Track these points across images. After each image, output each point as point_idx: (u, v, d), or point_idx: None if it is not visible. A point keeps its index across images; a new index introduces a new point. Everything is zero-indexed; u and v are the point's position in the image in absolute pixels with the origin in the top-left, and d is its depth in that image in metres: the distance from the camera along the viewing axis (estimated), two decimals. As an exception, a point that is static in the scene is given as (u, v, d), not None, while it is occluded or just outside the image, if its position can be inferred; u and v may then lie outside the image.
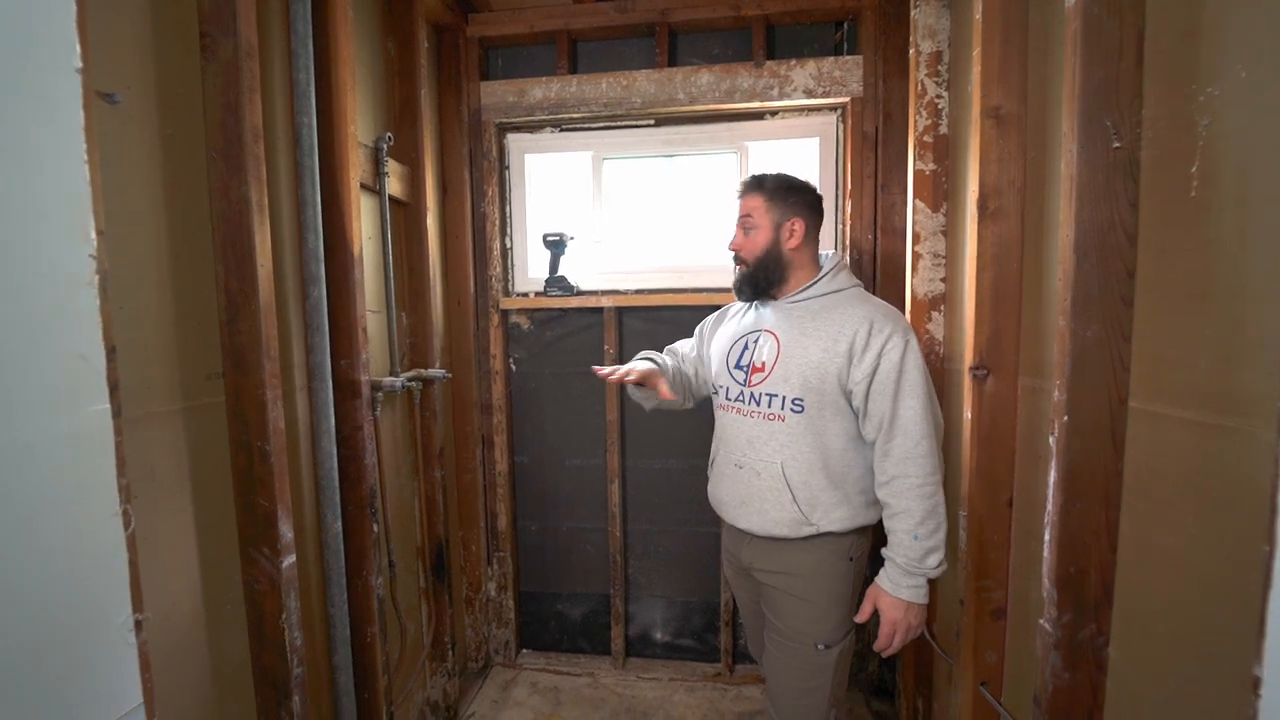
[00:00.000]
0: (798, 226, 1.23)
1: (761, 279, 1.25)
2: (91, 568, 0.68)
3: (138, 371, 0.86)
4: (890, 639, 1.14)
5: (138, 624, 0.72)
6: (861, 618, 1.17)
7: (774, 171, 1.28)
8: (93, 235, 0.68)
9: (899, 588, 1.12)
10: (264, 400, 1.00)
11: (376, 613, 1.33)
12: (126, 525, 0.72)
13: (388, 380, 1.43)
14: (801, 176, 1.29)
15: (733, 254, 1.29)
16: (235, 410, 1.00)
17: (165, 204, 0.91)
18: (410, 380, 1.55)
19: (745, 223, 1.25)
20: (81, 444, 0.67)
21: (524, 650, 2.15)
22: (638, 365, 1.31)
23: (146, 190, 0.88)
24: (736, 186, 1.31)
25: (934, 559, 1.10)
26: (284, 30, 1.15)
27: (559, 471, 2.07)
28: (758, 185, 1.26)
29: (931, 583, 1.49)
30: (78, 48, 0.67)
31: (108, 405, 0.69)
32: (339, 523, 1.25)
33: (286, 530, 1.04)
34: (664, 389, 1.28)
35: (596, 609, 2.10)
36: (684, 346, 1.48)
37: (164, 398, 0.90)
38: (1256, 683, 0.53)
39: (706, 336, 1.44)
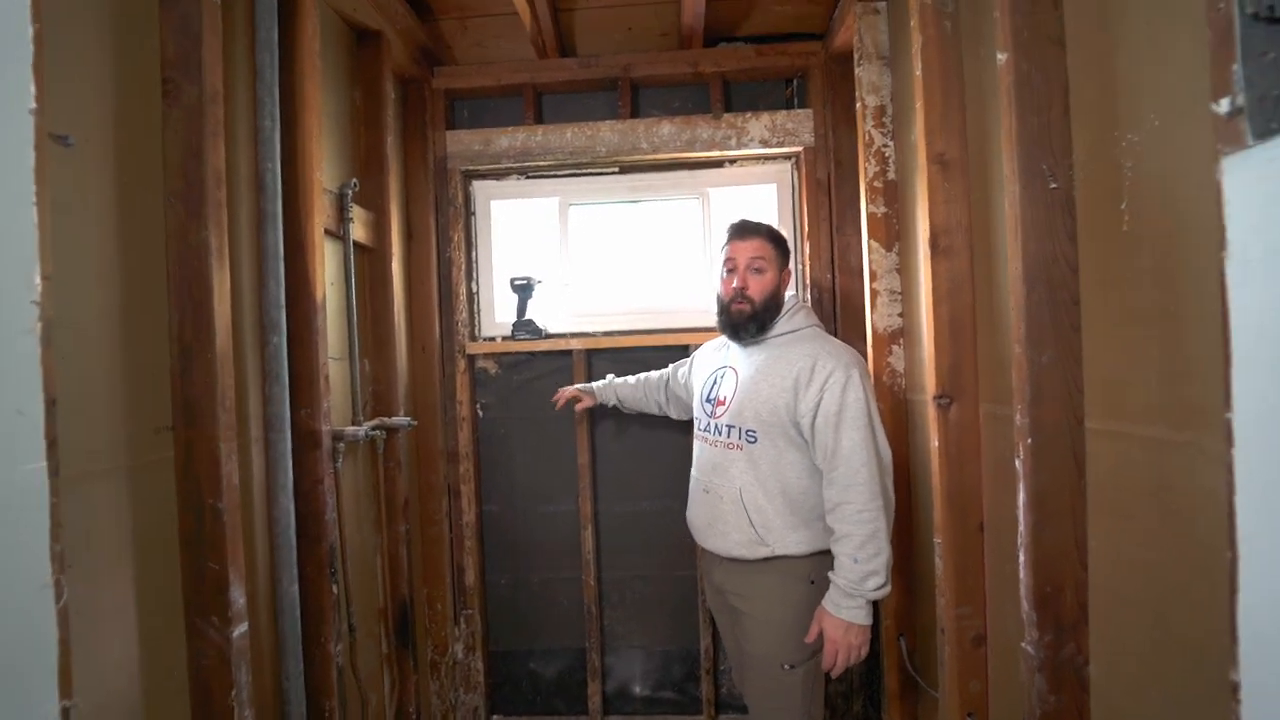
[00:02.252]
0: (788, 275, 1.38)
1: (766, 319, 1.34)
2: (16, 646, 0.61)
3: (79, 426, 0.79)
4: (834, 658, 1.20)
5: (65, 712, 0.65)
6: (809, 637, 1.23)
7: (759, 219, 1.38)
8: (37, 281, 0.65)
9: (840, 608, 1.18)
10: (217, 454, 0.94)
11: (336, 684, 1.23)
12: (58, 598, 0.65)
13: (350, 430, 1.37)
14: (764, 220, 1.40)
15: (733, 292, 1.33)
16: (185, 466, 0.94)
17: (118, 249, 0.87)
18: (374, 429, 1.49)
19: (756, 264, 1.33)
20: (12, 506, 0.61)
21: (495, 717, 2.01)
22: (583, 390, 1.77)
23: (98, 235, 0.84)
24: (728, 228, 1.38)
25: (873, 581, 1.17)
26: (249, 77, 1.14)
27: (530, 519, 2.00)
28: (760, 231, 1.36)
29: (889, 606, 1.54)
30: (32, 88, 0.65)
31: (44, 463, 0.64)
32: (295, 586, 1.17)
33: (239, 596, 0.96)
34: (585, 403, 1.76)
35: (571, 665, 2.00)
36: (654, 374, 1.74)
37: (107, 454, 0.83)
38: (1235, 688, 0.54)
39: (693, 366, 1.59)
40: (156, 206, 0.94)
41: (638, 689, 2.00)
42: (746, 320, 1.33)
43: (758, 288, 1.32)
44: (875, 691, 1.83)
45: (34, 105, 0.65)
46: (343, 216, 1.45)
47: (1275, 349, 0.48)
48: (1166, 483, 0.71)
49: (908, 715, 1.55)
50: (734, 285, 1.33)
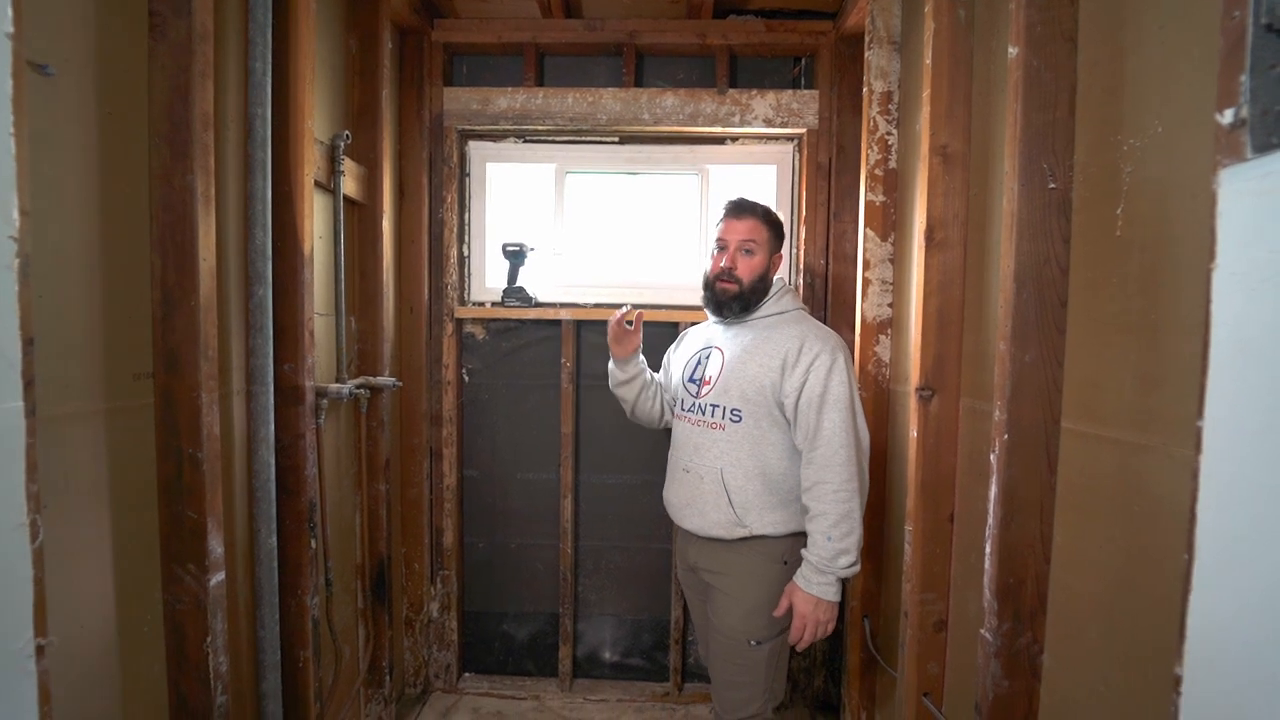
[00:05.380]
0: (779, 259, 1.38)
1: (751, 300, 1.34)
2: (-10, 584, 0.61)
3: (56, 367, 0.78)
4: (801, 632, 1.22)
5: (39, 649, 0.65)
6: (779, 612, 1.26)
7: (759, 201, 1.37)
8: (15, 215, 0.63)
9: (810, 584, 1.21)
10: (198, 403, 0.93)
11: (311, 635, 1.25)
12: (34, 538, 0.65)
13: (334, 387, 1.36)
14: (768, 206, 1.39)
15: (722, 270, 1.33)
16: (165, 413, 0.93)
17: (99, 187, 0.84)
18: (358, 387, 1.48)
19: (747, 245, 1.33)
20: (-14, 445, 0.60)
21: (466, 674, 2.06)
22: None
23: (79, 171, 0.81)
24: (726, 205, 1.37)
25: (844, 560, 1.20)
26: (241, 16, 1.10)
27: (510, 486, 2.02)
28: (755, 212, 1.35)
29: (855, 587, 1.57)
30: (9, 11, 0.62)
31: (20, 403, 0.63)
32: (274, 538, 1.17)
33: (216, 545, 0.96)
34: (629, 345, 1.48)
35: (544, 629, 2.05)
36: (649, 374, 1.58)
37: (85, 397, 0.82)
38: (1177, 681, 0.57)
39: (669, 358, 1.55)
40: (140, 145, 0.90)
41: (608, 655, 2.05)
42: (731, 299, 1.33)
43: (746, 269, 1.32)
44: (836, 668, 1.90)
45: (11, 29, 0.62)
46: (333, 169, 1.41)
47: (1251, 361, 0.49)
48: (1132, 485, 0.73)
49: (866, 693, 1.61)
50: (722, 264, 1.33)
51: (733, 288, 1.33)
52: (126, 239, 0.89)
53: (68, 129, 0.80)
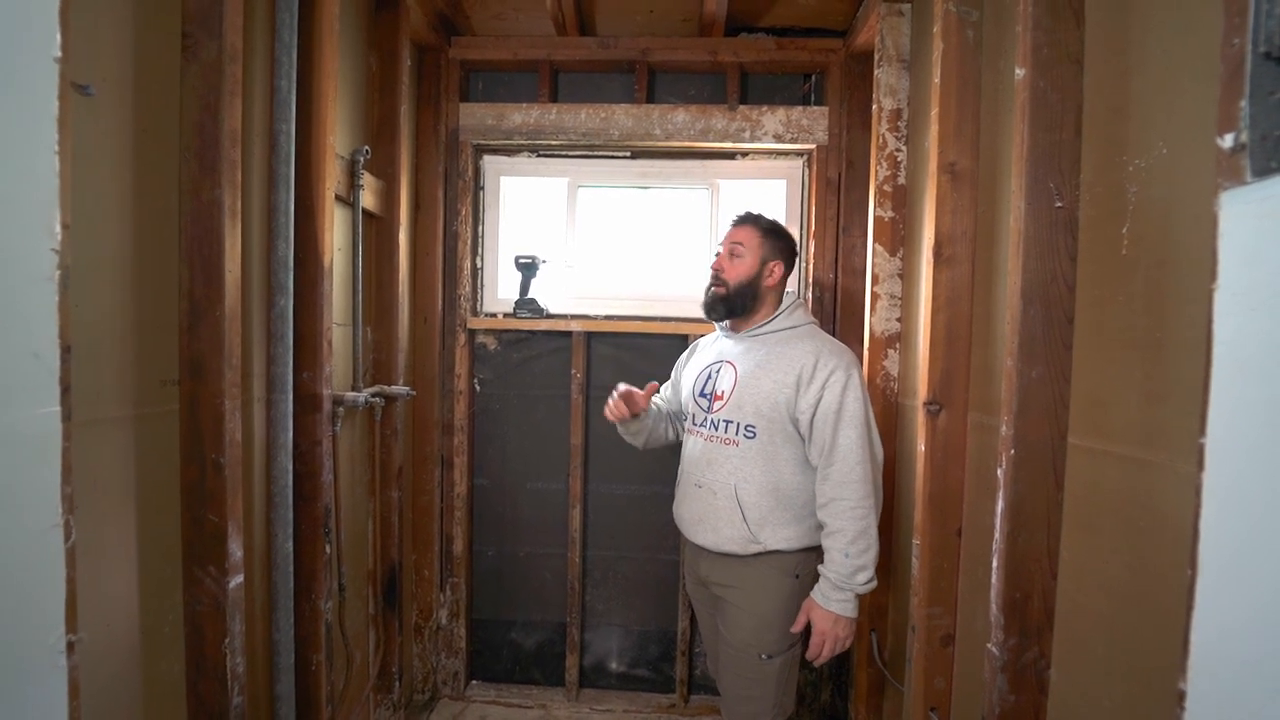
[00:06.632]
0: (777, 269, 1.36)
1: (737, 304, 1.35)
2: (24, 581, 0.63)
3: (89, 374, 0.81)
4: (820, 648, 1.23)
5: (70, 645, 0.67)
6: (796, 627, 1.26)
7: (764, 214, 1.40)
8: (57, 229, 0.66)
9: (829, 601, 1.21)
10: (222, 410, 0.96)
11: (324, 639, 1.27)
12: (67, 538, 0.67)
13: (350, 395, 1.39)
14: (777, 220, 1.41)
15: (712, 274, 1.37)
16: (189, 419, 0.96)
17: (132, 201, 0.88)
18: (373, 396, 1.51)
19: (734, 249, 1.35)
20: (25, 447, 0.63)
21: (474, 681, 2.07)
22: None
23: (114, 186, 0.85)
24: (731, 216, 1.42)
25: (862, 576, 1.20)
26: (268, 36, 1.14)
27: (519, 495, 2.03)
28: (752, 220, 1.38)
29: (864, 601, 1.54)
30: (58, 36, 0.66)
31: (58, 408, 0.66)
32: (290, 543, 1.19)
33: (236, 548, 0.99)
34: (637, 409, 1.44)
35: (551, 638, 2.05)
36: (660, 398, 1.57)
37: (115, 403, 0.85)
38: (1181, 696, 0.57)
39: (679, 372, 1.55)
40: (171, 161, 0.94)
41: (614, 665, 2.05)
42: (717, 302, 1.35)
43: (732, 272, 1.34)
44: (843, 683, 1.89)
45: (59, 53, 0.65)
46: (353, 183, 1.45)
47: (1252, 379, 0.50)
48: (1138, 500, 0.74)
49: (873, 707, 1.60)
50: (711, 267, 1.38)
51: (720, 290, 1.35)
52: (157, 250, 0.92)
53: (105, 146, 0.84)
